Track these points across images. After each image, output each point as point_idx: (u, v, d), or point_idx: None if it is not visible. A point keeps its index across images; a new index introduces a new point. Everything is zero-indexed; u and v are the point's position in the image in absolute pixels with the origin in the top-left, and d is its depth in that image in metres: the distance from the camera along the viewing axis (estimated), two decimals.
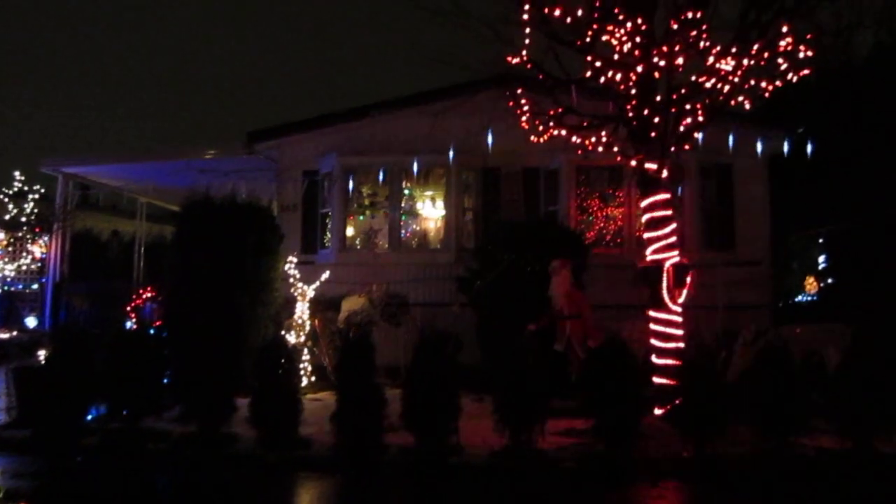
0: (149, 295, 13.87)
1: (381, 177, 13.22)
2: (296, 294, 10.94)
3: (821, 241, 16.71)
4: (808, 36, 8.18)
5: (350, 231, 13.81)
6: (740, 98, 8.56)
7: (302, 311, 10.90)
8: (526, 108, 9.21)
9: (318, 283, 11.12)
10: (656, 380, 8.35)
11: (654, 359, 8.48)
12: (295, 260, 11.12)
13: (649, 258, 8.67)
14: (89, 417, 8.17)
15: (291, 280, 10.91)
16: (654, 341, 8.55)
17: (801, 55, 8.20)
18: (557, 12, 8.20)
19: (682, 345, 8.35)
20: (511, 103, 9.22)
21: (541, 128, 9.21)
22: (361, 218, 14.16)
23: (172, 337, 9.40)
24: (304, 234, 13.75)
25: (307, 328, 10.94)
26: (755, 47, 8.09)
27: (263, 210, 11.19)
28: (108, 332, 9.07)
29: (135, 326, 12.68)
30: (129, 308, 13.54)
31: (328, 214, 13.60)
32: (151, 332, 9.49)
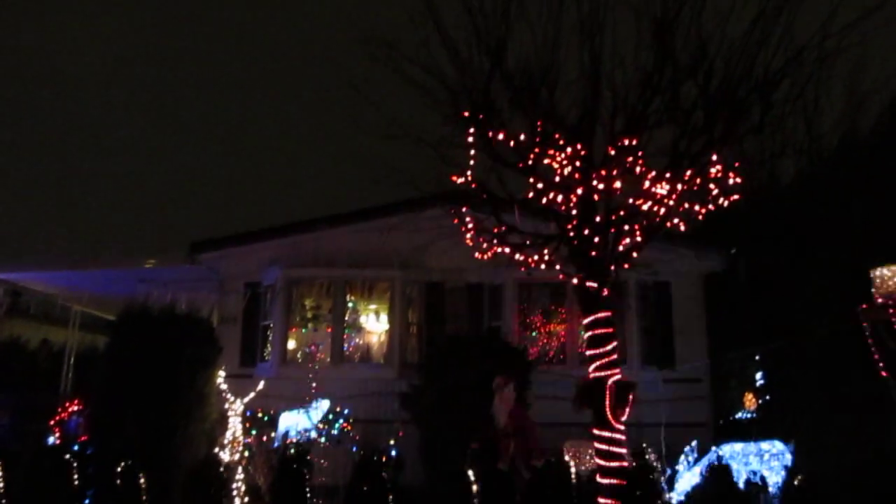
0: (75, 408, 13.23)
1: (325, 290, 13.16)
2: (231, 409, 10.57)
3: (757, 358, 17.03)
4: (736, 164, 8.64)
5: (291, 344, 13.57)
6: (676, 220, 8.89)
7: (237, 427, 10.51)
8: (470, 225, 9.37)
9: (253, 397, 10.79)
10: (601, 501, 8.19)
11: (598, 478, 8.35)
12: (223, 375, 10.78)
13: (592, 375, 8.69)
14: None
15: (227, 395, 10.57)
16: (598, 460, 8.44)
17: (731, 181, 8.62)
18: (501, 136, 8.52)
19: (626, 464, 8.26)
20: (456, 221, 9.39)
21: (485, 245, 9.36)
22: (304, 331, 13.96)
23: (98, 454, 8.93)
24: (243, 347, 13.45)
25: (242, 445, 10.51)
26: (688, 173, 8.47)
27: (202, 321, 10.97)
28: (28, 448, 8.58)
29: (58, 441, 12.01)
30: (53, 422, 12.85)
31: (269, 327, 13.38)
32: (76, 448, 9.00)
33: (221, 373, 10.76)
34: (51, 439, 12.25)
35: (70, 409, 13.16)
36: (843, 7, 7.87)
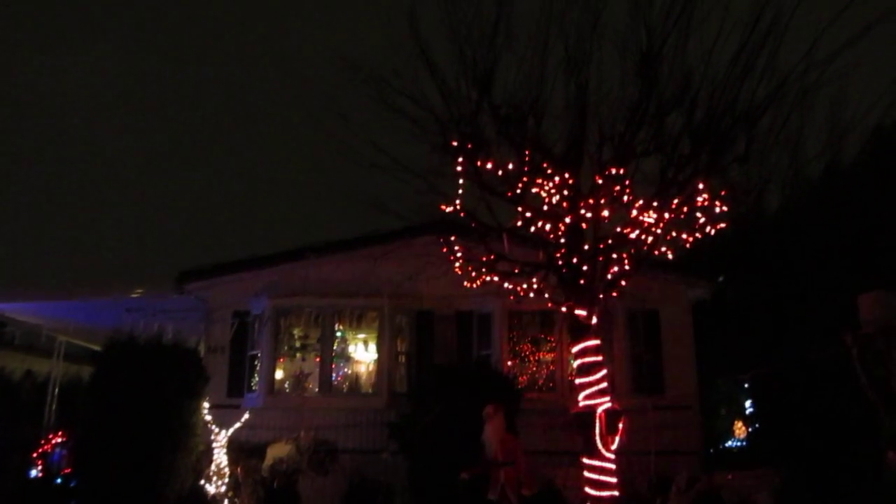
0: (59, 440, 13.06)
1: (313, 319, 13.10)
2: (217, 440, 10.46)
3: (746, 385, 17.07)
4: (723, 193, 8.73)
5: (279, 374, 13.47)
6: (663, 248, 8.96)
7: (224, 458, 10.39)
8: (459, 254, 9.42)
9: (239, 427, 10.69)
10: None
11: None
12: (207, 406, 10.66)
13: (581, 404, 8.67)
14: None
15: (211, 426, 10.46)
16: (588, 489, 8.39)
17: (717, 210, 8.70)
18: (489, 165, 8.59)
19: (616, 493, 8.22)
20: (445, 249, 9.43)
21: (474, 273, 9.39)
22: (292, 360, 13.86)
23: (82, 487, 8.80)
24: (230, 377, 13.33)
25: (228, 477, 10.39)
26: (675, 202, 8.56)
27: (189, 351, 10.90)
28: (9, 481, 8.45)
29: (41, 474, 11.83)
30: (36, 454, 12.67)
31: (257, 356, 13.28)
32: (59, 480, 8.87)
33: (206, 404, 10.65)
34: (33, 472, 12.06)
35: (53, 441, 12.99)
36: (824, 41, 8.03)
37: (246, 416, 10.96)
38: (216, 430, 10.41)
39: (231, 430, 10.60)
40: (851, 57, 8.07)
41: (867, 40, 7.96)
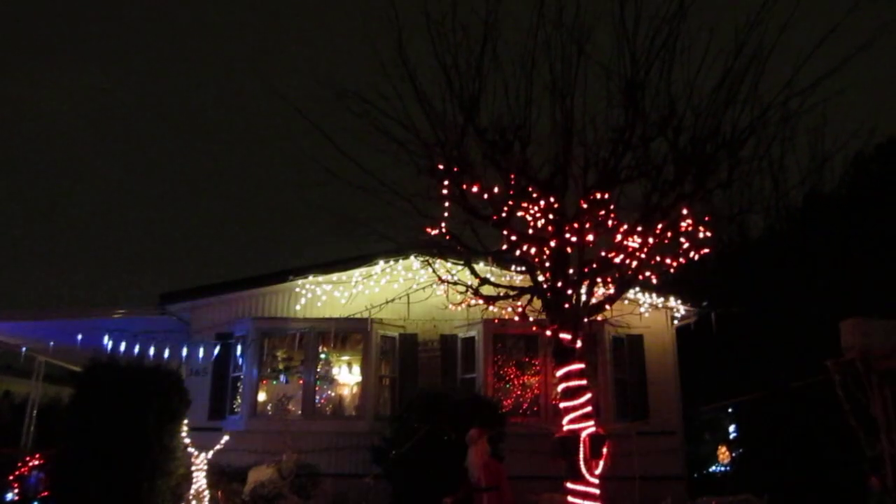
0: (36, 462, 12.83)
1: (297, 341, 13.02)
2: (196, 463, 10.32)
3: (730, 410, 17.11)
4: (706, 218, 8.80)
5: (262, 396, 13.35)
6: (648, 273, 8.99)
7: (204, 481, 10.25)
8: (444, 277, 9.42)
9: (220, 450, 10.55)
10: None
11: None
12: (186, 429, 10.52)
13: (566, 428, 8.64)
14: None
15: (191, 449, 10.33)
16: None
17: (701, 235, 8.77)
18: (475, 189, 8.62)
19: None
20: (430, 272, 9.42)
21: (458, 297, 9.39)
22: (275, 383, 13.75)
23: None
24: (212, 399, 13.20)
25: (208, 501, 10.24)
26: (659, 227, 8.61)
27: (171, 373, 10.78)
28: None
29: (17, 497, 11.62)
30: (12, 477, 12.45)
31: (240, 379, 13.16)
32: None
33: (185, 429, 10.51)
34: (9, 495, 11.84)
35: (31, 464, 12.76)
36: (805, 70, 8.17)
37: (226, 438, 10.84)
38: (196, 453, 10.27)
39: (211, 453, 10.46)
40: (832, 86, 8.23)
41: (847, 70, 8.11)
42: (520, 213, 8.81)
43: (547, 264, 8.76)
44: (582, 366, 8.66)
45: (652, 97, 8.41)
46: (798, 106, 8.40)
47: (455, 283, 9.39)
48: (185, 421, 10.50)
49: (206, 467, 10.33)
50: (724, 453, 16.90)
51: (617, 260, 8.71)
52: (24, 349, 17.46)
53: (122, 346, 12.95)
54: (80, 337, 14.02)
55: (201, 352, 13.36)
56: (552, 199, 8.58)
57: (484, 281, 9.23)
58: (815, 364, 10.03)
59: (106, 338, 13.37)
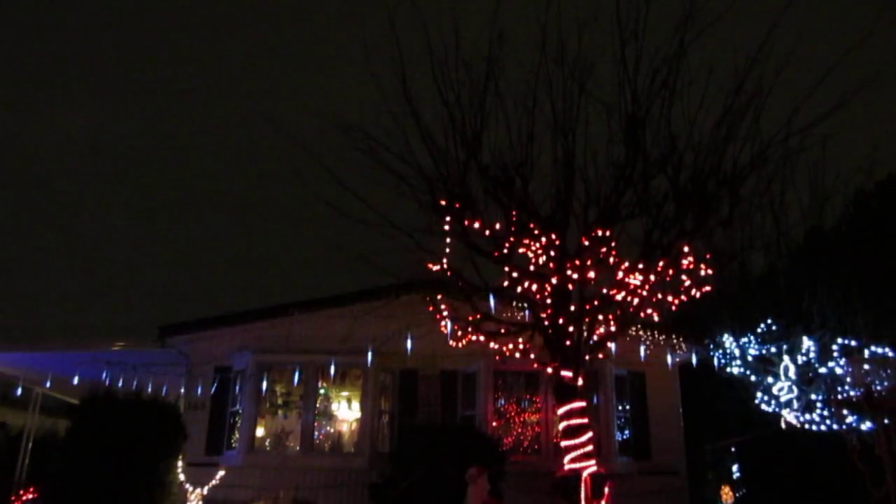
0: (30, 496, 12.66)
1: (296, 376, 12.92)
2: (191, 499, 10.19)
3: (733, 449, 16.90)
4: (707, 256, 8.81)
5: (260, 431, 13.21)
6: (649, 310, 8.97)
7: None
8: (445, 313, 9.39)
9: (217, 486, 10.44)
10: None
11: None
12: (181, 465, 10.40)
13: (567, 467, 8.54)
14: None
15: (186, 485, 10.21)
16: None
17: (702, 273, 8.77)
18: (477, 224, 8.64)
19: None
20: (431, 308, 9.39)
21: (459, 333, 9.35)
22: (273, 417, 13.62)
23: None
24: (210, 434, 13.05)
25: None
26: (660, 264, 8.61)
27: (169, 407, 10.71)
28: None
29: None
30: None
31: (238, 413, 13.04)
32: None
33: (179, 464, 10.40)
34: None
35: (24, 497, 12.60)
36: (805, 107, 8.23)
37: (223, 473, 10.72)
38: (192, 488, 10.15)
39: (207, 489, 10.34)
40: (831, 124, 8.28)
41: (847, 107, 8.17)
42: (521, 250, 8.81)
43: (548, 301, 8.74)
44: (583, 404, 8.61)
45: (653, 134, 8.48)
46: (798, 143, 8.46)
47: (456, 319, 9.35)
48: (181, 455, 10.40)
49: (203, 502, 10.20)
50: (727, 493, 16.66)
51: (618, 297, 8.70)
52: (20, 381, 17.37)
53: (121, 379, 12.86)
54: (78, 371, 13.94)
55: (200, 385, 13.26)
56: (553, 236, 8.59)
57: (485, 317, 9.20)
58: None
59: (104, 370, 13.29)
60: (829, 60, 8.07)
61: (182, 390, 13.48)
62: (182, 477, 10.23)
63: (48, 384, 17.32)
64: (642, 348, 11.83)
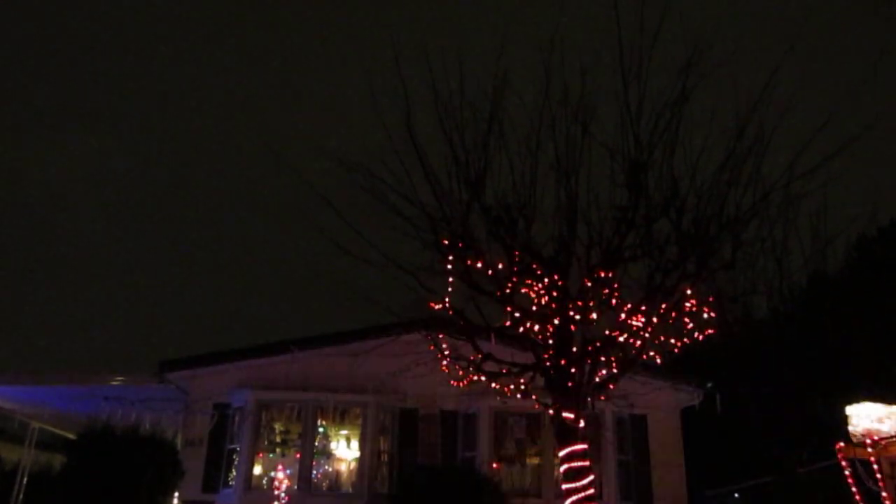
0: None
1: (295, 414, 12.82)
2: None
3: (736, 496, 16.69)
4: (710, 299, 8.78)
5: (257, 469, 13.05)
6: (651, 352, 8.92)
7: None
8: (446, 352, 9.34)
9: None
10: None
11: None
12: (177, 501, 10.26)
13: None
14: None
15: None
16: None
17: (705, 316, 8.73)
18: (479, 264, 8.64)
19: None
20: (432, 347, 9.36)
21: (461, 372, 9.29)
22: (271, 456, 13.46)
23: None
24: (207, 471, 12.91)
25: None
26: (663, 307, 8.59)
27: (166, 443, 10.61)
28: None
29: None
30: None
31: (235, 450, 12.91)
32: None
33: (175, 501, 10.27)
34: None
35: None
36: (807, 152, 8.28)
37: None
38: None
39: None
40: (833, 169, 8.32)
41: (848, 152, 8.22)
42: (523, 290, 8.80)
43: (550, 342, 8.70)
44: (585, 446, 8.51)
45: (655, 178, 8.51)
46: (800, 188, 8.49)
47: (457, 359, 9.31)
48: (177, 493, 10.28)
49: None
50: None
51: (621, 339, 8.65)
52: (17, 415, 17.23)
53: (119, 414, 12.75)
54: (76, 405, 13.84)
55: (198, 422, 13.16)
56: (556, 277, 8.59)
57: (487, 356, 9.15)
58: (821, 447, 9.84)
59: (103, 405, 13.19)
60: (831, 106, 8.15)
61: (180, 426, 13.36)
62: None
63: (46, 418, 17.20)
64: (644, 391, 11.75)
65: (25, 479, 16.90)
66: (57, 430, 17.91)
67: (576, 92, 8.48)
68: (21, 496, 16.64)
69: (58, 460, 12.95)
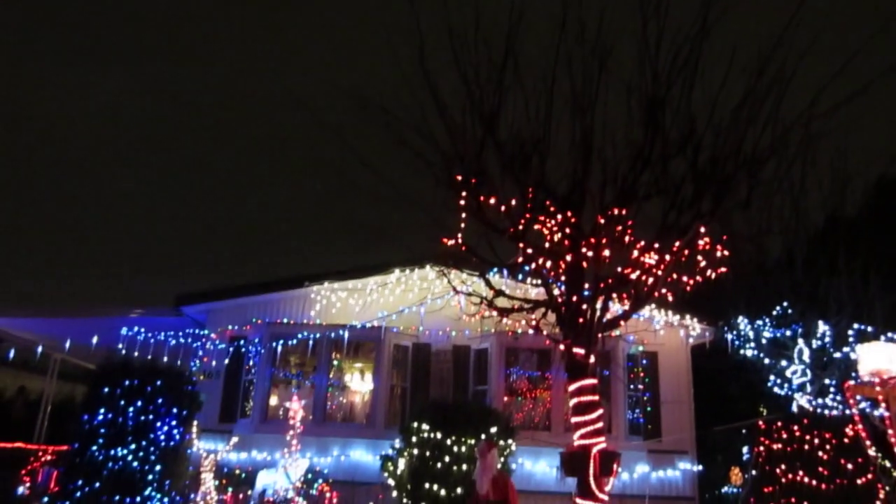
0: (49, 458, 12.94)
1: (310, 347, 13.05)
2: (205, 465, 10.35)
3: (744, 432, 16.91)
4: (724, 238, 8.74)
5: (273, 401, 13.38)
6: (663, 290, 8.93)
7: (211, 484, 10.28)
8: (459, 288, 9.41)
9: (230, 453, 10.60)
10: None
11: None
12: (194, 432, 10.56)
13: (577, 443, 8.58)
14: None
15: (201, 451, 10.37)
16: None
17: (718, 255, 8.71)
18: (492, 201, 8.62)
19: None
20: (445, 282, 9.42)
21: (472, 308, 9.37)
22: (287, 388, 13.78)
23: None
24: (224, 402, 13.25)
25: (216, 503, 10.27)
26: (676, 245, 8.56)
27: (183, 375, 10.84)
28: None
29: (27, 492, 11.72)
30: (24, 472, 12.55)
31: (251, 382, 13.21)
32: (46, 499, 8.80)
33: (193, 430, 10.55)
34: (21, 489, 11.94)
35: (43, 460, 12.87)
36: (828, 92, 8.10)
37: (236, 440, 10.89)
38: (205, 454, 10.32)
39: (221, 456, 10.50)
40: (854, 109, 8.14)
41: (869, 94, 8.03)
42: (536, 227, 8.79)
43: (562, 279, 8.73)
44: (594, 381, 8.61)
45: (672, 115, 8.37)
46: (820, 128, 8.33)
47: (470, 294, 9.38)
48: (196, 422, 10.55)
49: (214, 469, 10.37)
50: (736, 475, 16.70)
51: (633, 276, 8.66)
52: (40, 347, 17.63)
53: (137, 347, 13.04)
54: (95, 337, 14.13)
55: (215, 354, 13.44)
56: (569, 214, 8.56)
57: (499, 293, 9.21)
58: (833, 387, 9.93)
59: (122, 337, 13.48)
60: (856, 41, 7.93)
61: (197, 359, 13.66)
62: (199, 443, 10.40)
63: (66, 351, 17.59)
64: (655, 328, 11.83)
65: (49, 408, 17.44)
66: (78, 362, 18.35)
67: (593, 27, 8.30)
68: (45, 424, 17.20)
69: (79, 391, 13.32)
